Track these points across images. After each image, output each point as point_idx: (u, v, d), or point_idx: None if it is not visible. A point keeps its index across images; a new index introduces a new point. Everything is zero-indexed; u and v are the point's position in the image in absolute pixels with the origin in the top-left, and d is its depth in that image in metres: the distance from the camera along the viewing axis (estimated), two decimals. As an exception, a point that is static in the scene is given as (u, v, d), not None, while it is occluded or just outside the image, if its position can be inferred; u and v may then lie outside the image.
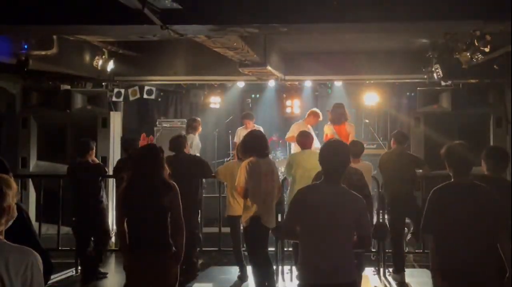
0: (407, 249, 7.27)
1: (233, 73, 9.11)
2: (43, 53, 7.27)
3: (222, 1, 5.21)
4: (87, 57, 8.70)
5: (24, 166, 8.92)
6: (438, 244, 3.69)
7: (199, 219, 7.27)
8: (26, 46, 6.87)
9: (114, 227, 8.01)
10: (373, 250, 7.20)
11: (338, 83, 11.07)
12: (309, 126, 9.11)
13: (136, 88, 10.55)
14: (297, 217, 3.60)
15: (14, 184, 2.47)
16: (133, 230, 4.21)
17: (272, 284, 5.79)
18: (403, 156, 6.98)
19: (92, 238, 7.08)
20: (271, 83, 10.67)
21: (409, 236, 7.22)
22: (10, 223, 2.44)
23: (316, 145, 7.64)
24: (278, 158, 11.01)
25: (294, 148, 8.91)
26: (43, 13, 5.26)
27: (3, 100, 9.16)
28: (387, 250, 7.14)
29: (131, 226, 4.22)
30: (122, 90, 10.26)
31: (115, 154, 9.09)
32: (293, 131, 9.02)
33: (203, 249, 7.62)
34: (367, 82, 10.73)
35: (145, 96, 10.89)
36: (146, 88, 10.78)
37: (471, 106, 8.99)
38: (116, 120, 9.41)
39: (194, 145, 9.00)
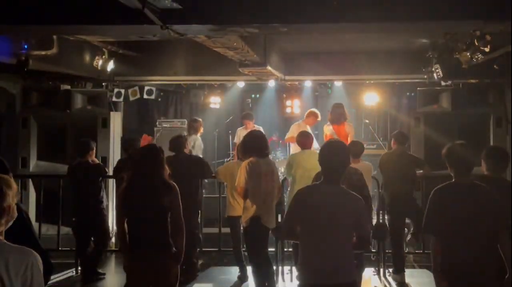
0: (407, 249, 7.27)
1: (233, 73, 9.11)
2: (43, 53, 7.27)
3: (222, 1, 5.21)
4: (87, 57, 8.70)
5: (24, 166, 8.92)
6: (440, 244, 3.69)
7: (199, 220, 7.27)
8: (26, 46, 6.87)
9: (114, 227, 8.02)
10: (373, 250, 7.20)
11: (338, 83, 11.07)
12: (308, 126, 9.12)
13: (136, 88, 10.55)
14: (297, 218, 3.60)
15: (14, 184, 2.47)
16: (133, 230, 4.21)
17: (272, 284, 5.79)
18: (403, 157, 6.98)
19: (92, 238, 7.08)
20: (271, 83, 10.67)
21: (409, 237, 7.22)
22: (10, 223, 2.44)
23: (315, 145, 7.64)
24: (278, 158, 11.00)
25: (294, 148, 8.91)
26: (43, 13, 5.26)
27: (3, 100, 9.16)
28: (387, 251, 7.14)
29: (131, 226, 4.22)
30: (122, 90, 10.26)
31: (115, 154, 9.09)
32: (293, 131, 9.03)
33: (203, 249, 7.62)
34: (367, 82, 10.73)
35: (145, 96, 10.89)
36: (146, 88, 10.78)
37: (471, 106, 8.99)
38: (116, 120, 9.41)
39: (197, 145, 9.00)
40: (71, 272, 7.27)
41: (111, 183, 8.39)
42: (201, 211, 7.39)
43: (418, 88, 9.52)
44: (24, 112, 9.11)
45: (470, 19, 5.25)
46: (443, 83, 9.09)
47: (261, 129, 8.79)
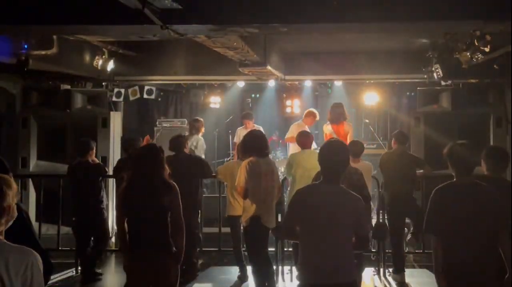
0: (407, 249, 7.27)
1: (233, 73, 9.11)
2: (43, 53, 7.27)
3: (222, 1, 5.21)
4: (87, 57, 8.70)
5: (24, 166, 8.92)
6: (440, 244, 3.69)
7: (199, 219, 7.27)
8: (26, 46, 6.88)
9: (114, 227, 8.02)
10: (373, 250, 7.21)
11: (338, 83, 11.07)
12: (306, 126, 9.14)
13: (136, 88, 10.55)
14: (297, 217, 3.60)
15: (14, 184, 2.47)
16: (133, 230, 4.21)
17: (272, 284, 5.79)
18: (403, 156, 6.99)
19: (92, 238, 7.09)
20: (271, 83, 10.67)
21: (409, 236, 7.22)
22: (10, 223, 2.44)
23: (313, 146, 7.65)
24: (278, 158, 11.01)
25: (293, 148, 8.92)
26: (43, 13, 5.26)
27: (3, 100, 9.15)
28: (387, 250, 7.14)
29: (131, 226, 4.22)
30: (122, 90, 10.26)
31: (115, 154, 9.08)
32: (293, 131, 9.04)
33: (203, 249, 7.62)
34: (367, 82, 10.73)
35: (145, 96, 10.89)
36: (146, 88, 10.78)
37: (471, 106, 8.98)
38: (116, 120, 9.41)
39: (200, 146, 9.00)
40: (71, 272, 7.28)
41: (111, 183, 8.40)
42: (201, 211, 7.39)
43: (418, 88, 9.52)
44: (24, 112, 9.11)
45: (470, 19, 5.25)
46: (443, 83, 9.09)
47: (261, 128, 8.79)
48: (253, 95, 13.37)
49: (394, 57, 9.29)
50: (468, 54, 6.91)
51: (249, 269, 6.25)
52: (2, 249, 2.32)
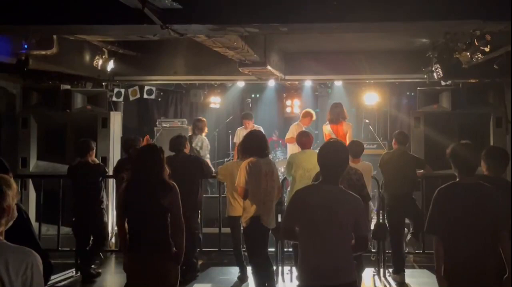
0: (407, 249, 7.27)
1: (233, 73, 9.10)
2: (43, 53, 7.27)
3: (222, 1, 5.21)
4: (87, 57, 8.70)
5: (24, 166, 8.90)
6: (442, 244, 3.68)
7: (199, 220, 7.27)
8: (26, 46, 6.87)
9: (114, 227, 8.03)
10: (373, 250, 7.21)
11: (338, 83, 11.06)
12: (304, 126, 9.16)
13: (136, 88, 10.54)
14: (296, 218, 3.60)
15: (14, 184, 2.46)
16: (134, 230, 4.22)
17: (272, 284, 5.79)
18: (404, 157, 6.99)
19: (92, 238, 7.09)
20: (271, 83, 10.67)
21: (409, 237, 7.22)
22: (10, 223, 2.44)
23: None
24: (278, 158, 11.01)
25: (292, 148, 8.92)
26: (43, 13, 5.26)
27: (3, 100, 9.14)
28: (387, 251, 7.14)
29: (131, 226, 4.23)
30: (122, 90, 10.25)
31: (115, 154, 9.08)
32: (292, 132, 9.06)
33: (203, 249, 7.61)
34: (367, 82, 10.72)
35: (145, 96, 10.89)
36: (146, 88, 10.77)
37: (471, 106, 8.97)
38: (116, 120, 9.40)
39: (205, 146, 9.01)
40: (71, 272, 7.28)
41: (111, 183, 8.39)
42: (201, 211, 7.38)
43: (418, 88, 9.51)
44: (24, 112, 9.10)
45: (470, 19, 5.25)
46: (443, 83, 9.08)
47: (261, 128, 8.80)
48: (253, 95, 13.35)
49: (394, 57, 9.29)
50: (468, 54, 6.91)
51: (249, 269, 6.25)
52: (2, 249, 2.31)
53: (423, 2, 5.11)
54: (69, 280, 7.06)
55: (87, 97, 9.30)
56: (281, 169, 8.99)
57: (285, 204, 6.67)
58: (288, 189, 7.15)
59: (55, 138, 9.07)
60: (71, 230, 7.40)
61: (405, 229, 7.19)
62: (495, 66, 7.45)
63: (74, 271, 7.27)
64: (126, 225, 4.24)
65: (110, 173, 7.82)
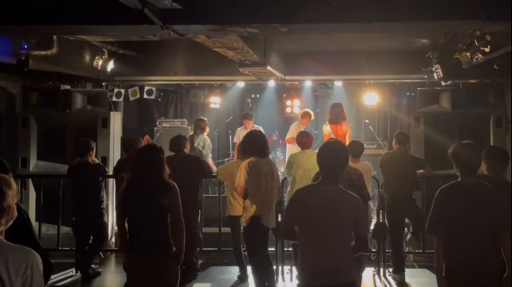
0: (407, 249, 7.27)
1: (233, 73, 9.10)
2: (43, 53, 7.27)
3: (222, 1, 5.21)
4: (87, 57, 8.70)
5: (24, 166, 8.91)
6: (444, 244, 3.68)
7: (199, 219, 7.27)
8: (26, 46, 6.88)
9: (114, 227, 8.03)
10: (373, 250, 7.22)
11: (338, 83, 11.06)
12: (302, 127, 9.17)
13: (136, 88, 10.54)
14: (295, 218, 3.60)
15: (14, 184, 2.47)
16: (134, 230, 4.22)
17: (272, 284, 5.79)
18: (404, 157, 6.99)
19: (92, 238, 7.09)
20: (271, 83, 10.67)
21: (409, 236, 7.22)
22: (10, 223, 2.44)
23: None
24: (278, 158, 11.01)
25: (291, 148, 8.93)
26: (43, 13, 5.26)
27: (3, 100, 9.15)
28: (387, 250, 7.14)
29: (131, 226, 4.23)
30: (122, 90, 10.25)
31: (115, 154, 9.08)
32: (292, 132, 9.06)
33: (203, 249, 7.61)
34: (367, 82, 10.73)
35: (145, 96, 10.89)
36: (146, 88, 10.77)
37: (471, 106, 8.98)
38: (116, 120, 9.41)
39: (207, 145, 9.01)
40: (71, 272, 7.28)
41: (111, 183, 8.39)
42: (201, 211, 7.39)
43: (418, 88, 9.51)
44: (24, 112, 9.10)
45: (470, 19, 5.24)
46: (443, 83, 9.08)
47: (261, 129, 8.80)
48: (253, 95, 13.35)
49: (394, 57, 9.29)
50: (468, 54, 6.91)
51: (249, 269, 6.25)
52: (2, 249, 2.32)
53: (423, 2, 5.11)
54: (69, 279, 7.06)
55: (87, 97, 9.31)
56: (281, 169, 9.00)
57: (285, 204, 6.68)
58: (288, 189, 7.15)
59: (55, 138, 9.07)
60: (71, 230, 7.41)
61: (405, 229, 7.20)
62: (495, 66, 7.45)
63: (74, 271, 7.28)
64: (126, 225, 4.24)
65: (110, 173, 7.82)
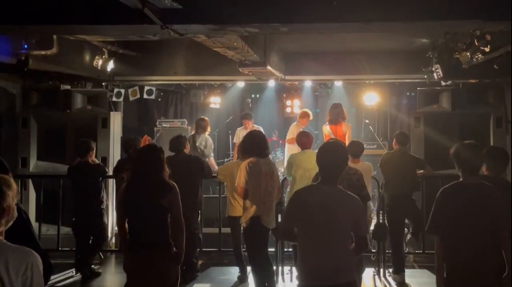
0: (407, 249, 7.27)
1: (233, 73, 9.10)
2: (43, 53, 7.27)
3: (222, 1, 5.21)
4: (87, 57, 8.70)
5: (24, 166, 8.90)
6: (444, 244, 3.68)
7: (199, 220, 7.27)
8: (26, 46, 6.87)
9: (115, 227, 8.03)
10: (373, 250, 7.21)
11: (338, 83, 11.06)
12: (302, 127, 9.17)
13: (136, 88, 10.54)
14: (295, 218, 3.59)
15: (14, 184, 2.46)
16: (134, 230, 4.22)
17: (272, 284, 5.78)
18: (404, 157, 6.99)
19: (91, 238, 7.09)
20: (271, 83, 10.67)
21: (409, 237, 7.22)
22: (10, 223, 2.44)
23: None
24: (278, 158, 11.01)
25: (291, 149, 8.93)
26: (43, 13, 5.26)
27: (3, 100, 9.15)
28: (387, 251, 7.14)
29: (131, 226, 4.23)
30: (122, 90, 10.25)
31: (115, 154, 9.08)
32: (293, 132, 9.06)
33: (203, 249, 7.61)
34: (367, 82, 10.73)
35: (145, 96, 10.89)
36: (146, 88, 10.77)
37: (471, 106, 8.97)
38: (116, 120, 9.40)
39: (209, 145, 9.01)
40: (71, 272, 7.27)
41: (111, 183, 8.39)
42: (201, 211, 7.39)
43: (418, 88, 9.51)
44: (24, 112, 9.10)
45: (470, 19, 5.25)
46: (443, 83, 9.08)
47: (261, 129, 8.80)
48: (253, 95, 13.35)
49: (394, 57, 9.29)
50: (468, 54, 6.91)
51: (249, 269, 6.25)
52: (2, 249, 2.31)
53: (423, 2, 5.11)
54: (69, 280, 7.05)
55: (87, 97, 9.31)
56: (281, 169, 8.99)
57: (285, 204, 6.67)
58: (288, 189, 7.15)
59: (55, 138, 9.07)
60: (71, 230, 7.40)
61: (405, 229, 7.19)
62: (495, 66, 7.45)
63: (74, 271, 7.26)
64: (126, 225, 4.24)
65: (110, 173, 7.82)
